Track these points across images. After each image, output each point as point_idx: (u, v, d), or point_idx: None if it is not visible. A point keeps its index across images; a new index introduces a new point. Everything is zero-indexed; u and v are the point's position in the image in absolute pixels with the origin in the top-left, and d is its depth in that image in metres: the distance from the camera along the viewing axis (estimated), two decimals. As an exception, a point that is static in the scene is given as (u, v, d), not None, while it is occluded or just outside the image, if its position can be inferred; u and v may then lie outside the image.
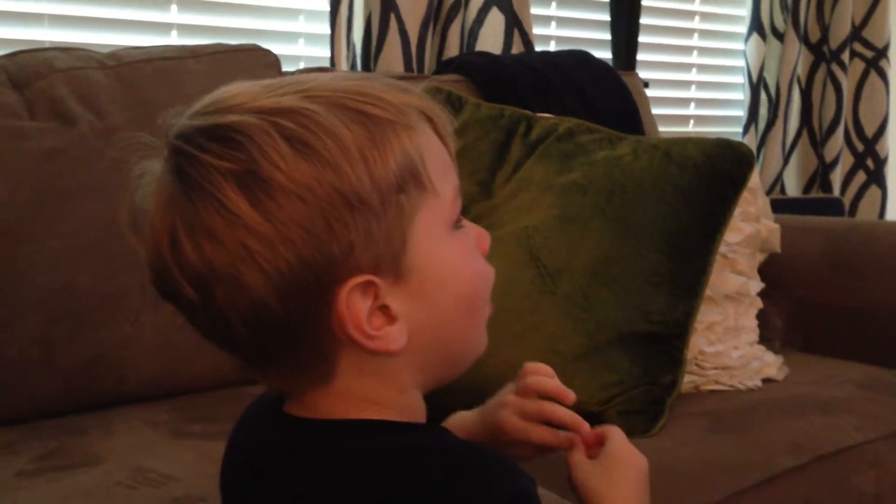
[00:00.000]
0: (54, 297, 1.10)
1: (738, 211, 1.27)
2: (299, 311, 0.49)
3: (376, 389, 0.54)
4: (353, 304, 0.50)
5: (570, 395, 0.67)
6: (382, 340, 0.51)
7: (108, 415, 1.12)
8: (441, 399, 0.59)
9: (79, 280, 1.12)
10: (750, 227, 1.33)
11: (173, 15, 1.62)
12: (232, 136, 0.48)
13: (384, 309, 0.51)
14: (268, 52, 1.42)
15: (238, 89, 0.52)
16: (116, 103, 1.18)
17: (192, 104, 0.52)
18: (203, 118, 0.50)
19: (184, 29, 1.63)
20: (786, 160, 2.59)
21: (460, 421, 0.73)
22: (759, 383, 1.26)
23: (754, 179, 1.32)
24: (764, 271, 1.41)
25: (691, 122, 2.53)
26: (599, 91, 1.72)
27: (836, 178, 2.62)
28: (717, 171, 1.19)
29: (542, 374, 0.69)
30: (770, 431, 1.11)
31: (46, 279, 1.09)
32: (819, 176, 2.63)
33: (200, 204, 0.48)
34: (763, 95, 2.51)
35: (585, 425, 0.67)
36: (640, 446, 0.68)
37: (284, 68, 1.46)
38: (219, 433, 1.07)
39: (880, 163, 2.65)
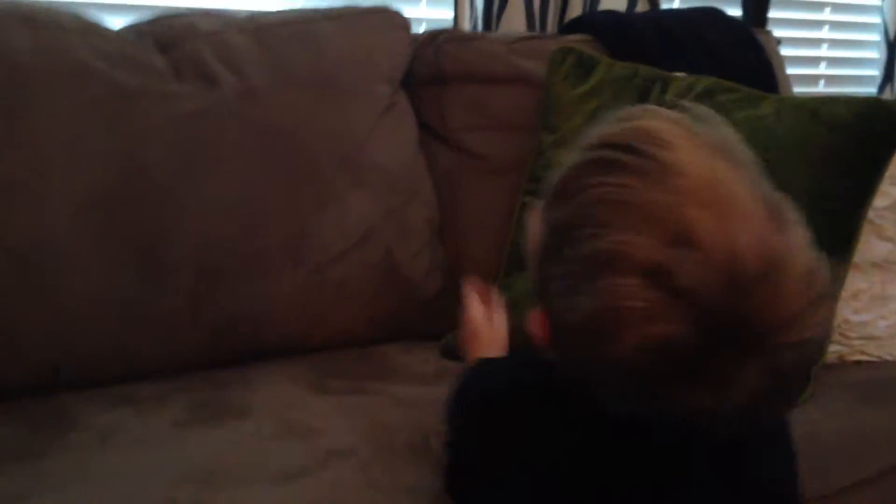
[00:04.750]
0: (199, 255, 1.13)
1: (886, 174, 1.21)
2: None
3: None
4: None
5: None
6: None
7: (247, 370, 1.15)
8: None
9: (222, 238, 1.15)
10: (899, 191, 1.27)
11: (302, -23, 1.64)
12: None
13: None
14: (397, 13, 1.42)
15: None
16: (256, 65, 1.20)
17: None
18: None
19: (312, -9, 1.64)
20: (923, 122, 2.44)
21: None
22: (908, 355, 1.21)
23: (905, 141, 1.25)
24: (912, 238, 1.34)
25: (822, 81, 2.41)
26: (733, 49, 1.65)
27: (979, 140, 2.46)
28: (868, 132, 1.13)
29: None
30: (923, 405, 1.06)
31: (192, 237, 1.12)
32: (960, 139, 2.48)
33: None
34: (900, 54, 2.37)
35: None
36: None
37: (409, 29, 1.45)
38: (356, 389, 1.10)
39: None
